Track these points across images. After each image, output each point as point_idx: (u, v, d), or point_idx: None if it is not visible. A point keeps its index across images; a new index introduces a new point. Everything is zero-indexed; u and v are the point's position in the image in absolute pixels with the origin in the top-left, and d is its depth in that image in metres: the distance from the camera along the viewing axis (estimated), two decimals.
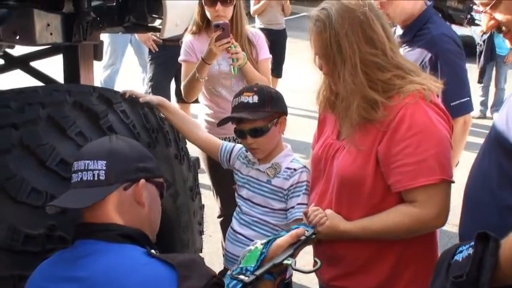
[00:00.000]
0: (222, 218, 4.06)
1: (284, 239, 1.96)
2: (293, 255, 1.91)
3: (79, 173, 1.77)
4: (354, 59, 2.11)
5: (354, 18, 2.13)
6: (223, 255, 2.88)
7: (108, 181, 1.75)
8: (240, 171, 2.77)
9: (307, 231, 2.04)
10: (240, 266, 1.89)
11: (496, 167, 1.76)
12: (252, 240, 2.63)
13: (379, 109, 2.12)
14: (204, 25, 3.81)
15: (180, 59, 3.88)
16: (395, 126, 2.10)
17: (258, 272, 1.84)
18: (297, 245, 1.95)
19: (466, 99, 3.13)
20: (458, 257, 1.61)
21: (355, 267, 2.27)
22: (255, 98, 2.56)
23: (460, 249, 1.63)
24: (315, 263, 1.95)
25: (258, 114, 2.55)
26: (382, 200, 2.17)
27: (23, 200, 2.09)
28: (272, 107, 2.59)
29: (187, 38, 3.85)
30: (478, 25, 6.22)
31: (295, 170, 2.61)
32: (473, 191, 1.88)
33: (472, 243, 1.56)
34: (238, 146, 2.82)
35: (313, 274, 2.47)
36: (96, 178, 1.75)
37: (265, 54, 3.87)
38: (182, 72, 3.86)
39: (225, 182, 3.47)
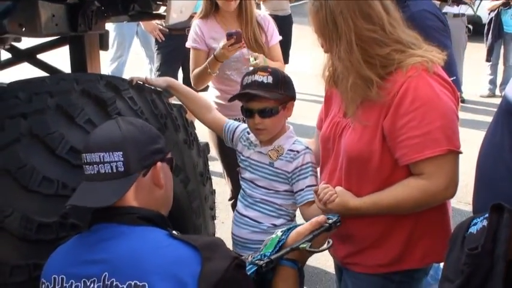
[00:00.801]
0: (233, 201, 4.04)
1: (305, 226, 1.94)
2: (311, 241, 1.88)
3: (94, 165, 1.73)
4: (349, 35, 2.10)
5: None
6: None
7: (127, 172, 1.73)
8: (242, 154, 2.77)
9: (331, 219, 1.99)
10: (261, 253, 1.88)
11: (508, 138, 1.74)
12: (258, 222, 2.66)
13: (373, 88, 2.11)
14: (212, 10, 3.82)
15: (187, 44, 3.91)
16: (399, 100, 2.09)
17: (273, 256, 1.82)
18: (317, 232, 1.92)
19: (452, 78, 2.98)
20: (473, 230, 1.60)
21: (367, 244, 2.27)
22: (270, 79, 2.55)
23: (475, 221, 1.62)
24: (328, 242, 1.93)
25: (272, 94, 2.55)
26: (390, 175, 2.17)
27: (35, 188, 2.10)
28: (285, 89, 2.59)
29: (196, 23, 3.87)
30: (465, 3, 6.14)
31: (298, 152, 2.61)
32: (486, 163, 1.86)
33: (487, 215, 1.55)
34: (242, 126, 2.81)
35: (329, 255, 2.48)
36: (115, 170, 1.72)
37: (275, 39, 3.90)
38: (191, 59, 3.88)
39: (235, 165, 3.49)
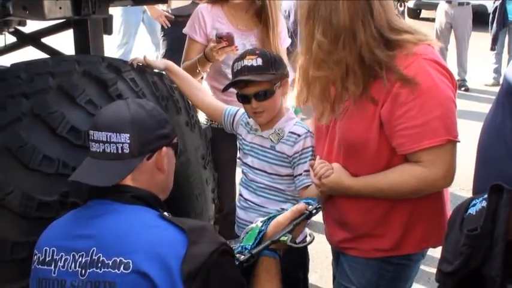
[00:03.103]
0: (221, 213, 3.60)
1: (285, 215, 1.94)
2: (292, 231, 1.89)
3: (100, 144, 1.76)
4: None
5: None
6: (235, 222, 2.88)
7: (132, 154, 1.76)
8: (244, 138, 2.75)
9: (311, 205, 2.00)
10: (241, 245, 1.88)
11: (509, 118, 1.73)
12: (263, 207, 2.64)
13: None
14: None
15: (184, 29, 3.54)
16: (397, 88, 2.05)
17: (254, 251, 1.83)
18: (297, 221, 1.92)
19: None
20: (472, 211, 1.60)
21: (365, 231, 2.26)
22: (259, 61, 2.51)
23: (473, 202, 1.62)
24: (309, 236, 1.94)
25: (264, 77, 2.51)
26: (389, 162, 2.15)
27: (36, 167, 2.11)
28: (276, 69, 2.55)
29: (200, 9, 3.49)
30: None
31: (299, 135, 2.59)
32: (486, 144, 1.85)
33: (486, 195, 1.55)
34: (242, 109, 2.78)
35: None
36: (120, 151, 1.75)
37: (285, 43, 3.62)
38: (185, 47, 3.53)
39: (225, 171, 3.44)
